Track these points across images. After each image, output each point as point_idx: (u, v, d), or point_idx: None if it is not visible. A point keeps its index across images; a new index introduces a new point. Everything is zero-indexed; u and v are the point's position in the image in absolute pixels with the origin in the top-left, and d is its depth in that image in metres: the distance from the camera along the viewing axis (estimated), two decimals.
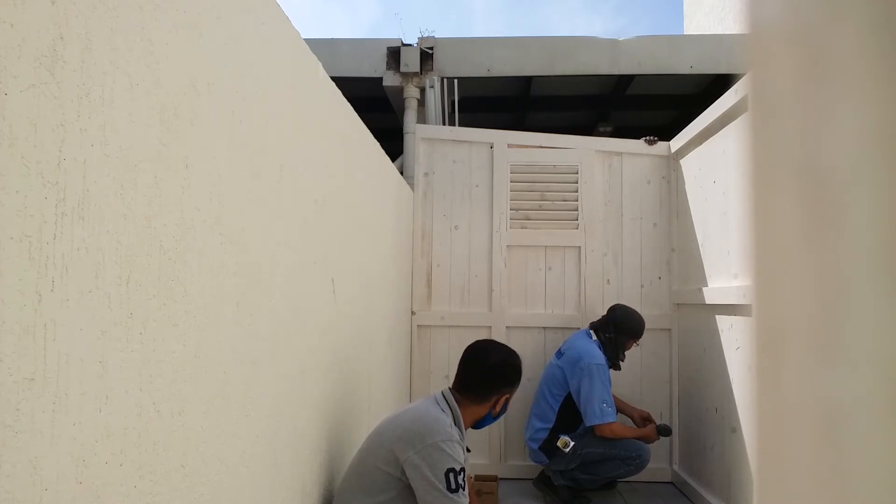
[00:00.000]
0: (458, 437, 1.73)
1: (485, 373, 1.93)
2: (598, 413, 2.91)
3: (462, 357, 2.00)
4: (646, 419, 3.18)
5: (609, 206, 3.60)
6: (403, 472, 1.66)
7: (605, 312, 3.30)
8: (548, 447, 3.03)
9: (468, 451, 1.98)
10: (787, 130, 0.24)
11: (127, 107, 0.75)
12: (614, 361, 3.09)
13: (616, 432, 2.96)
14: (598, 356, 3.01)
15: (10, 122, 0.58)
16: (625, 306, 3.21)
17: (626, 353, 3.18)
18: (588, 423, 2.94)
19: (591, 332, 3.16)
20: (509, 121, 5.05)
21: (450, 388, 1.94)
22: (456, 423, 1.83)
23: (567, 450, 2.95)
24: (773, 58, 0.25)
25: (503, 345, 2.05)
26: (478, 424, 1.98)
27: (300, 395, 1.51)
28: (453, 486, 1.62)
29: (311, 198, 1.56)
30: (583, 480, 3.04)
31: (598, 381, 2.93)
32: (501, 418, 2.09)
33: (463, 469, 1.67)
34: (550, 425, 3.04)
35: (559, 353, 3.17)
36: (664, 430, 3.09)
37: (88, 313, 0.69)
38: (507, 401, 1.97)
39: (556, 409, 3.05)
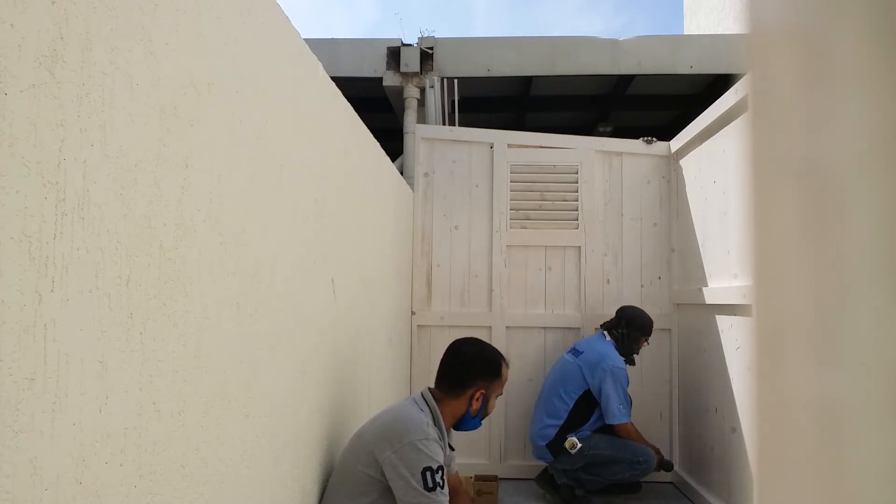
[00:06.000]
0: (435, 436, 1.72)
1: (460, 364, 1.94)
2: (618, 414, 3.03)
3: (444, 353, 2.01)
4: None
5: (609, 206, 3.60)
6: (383, 473, 1.66)
7: (605, 312, 3.38)
8: (555, 445, 3.04)
9: (452, 449, 1.97)
10: (787, 130, 0.24)
11: (127, 107, 0.75)
12: (629, 356, 3.17)
13: (630, 433, 3.07)
14: (618, 359, 3.09)
15: (10, 122, 0.58)
16: (633, 306, 3.30)
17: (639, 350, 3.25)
18: (608, 421, 3.05)
19: (605, 332, 3.21)
20: (509, 121, 5.05)
21: (430, 388, 1.94)
22: (435, 422, 1.82)
23: (574, 451, 2.96)
24: (773, 58, 0.25)
25: (484, 341, 2.06)
26: (459, 425, 1.94)
27: (300, 395, 1.51)
28: (430, 484, 1.62)
29: (311, 198, 1.56)
30: (586, 481, 3.05)
31: (618, 383, 3.03)
32: (488, 419, 2.03)
33: (441, 467, 1.67)
34: (561, 422, 3.06)
35: (575, 351, 3.20)
36: (666, 465, 3.17)
37: (88, 313, 0.69)
38: (483, 397, 1.92)
39: (570, 406, 3.08)
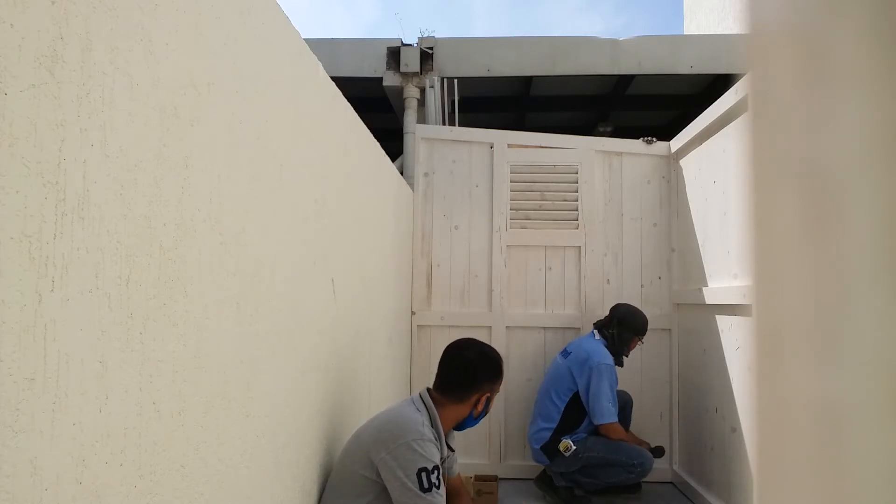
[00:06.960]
0: (431, 437, 1.71)
1: (463, 371, 1.91)
2: (607, 413, 2.97)
3: (442, 356, 1.97)
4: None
5: (609, 206, 3.60)
6: (379, 474, 1.66)
7: (605, 312, 3.35)
8: (549, 448, 3.03)
9: (452, 450, 1.97)
10: (787, 130, 0.24)
11: (127, 107, 0.75)
12: (618, 357, 3.12)
13: (618, 432, 3.02)
14: (607, 356, 3.04)
15: (10, 122, 0.58)
16: (627, 304, 3.24)
17: (630, 352, 3.20)
18: (595, 421, 2.99)
19: (595, 331, 3.18)
20: (509, 121, 5.05)
21: (428, 389, 1.92)
22: (432, 423, 1.81)
23: (568, 454, 2.96)
24: (773, 58, 0.25)
25: (483, 342, 2.03)
26: (459, 426, 1.94)
27: (300, 395, 1.51)
28: (426, 485, 1.62)
29: (311, 198, 1.56)
30: (584, 483, 3.05)
31: (605, 380, 2.98)
32: (488, 419, 2.03)
33: (437, 467, 1.66)
34: (554, 425, 3.05)
35: (565, 353, 3.18)
36: (657, 451, 3.14)
37: (88, 313, 0.69)
38: (488, 400, 1.92)
39: (562, 408, 3.06)
